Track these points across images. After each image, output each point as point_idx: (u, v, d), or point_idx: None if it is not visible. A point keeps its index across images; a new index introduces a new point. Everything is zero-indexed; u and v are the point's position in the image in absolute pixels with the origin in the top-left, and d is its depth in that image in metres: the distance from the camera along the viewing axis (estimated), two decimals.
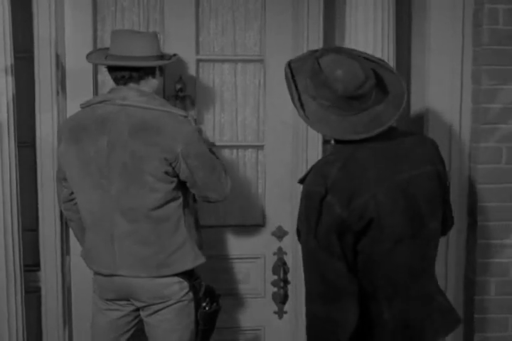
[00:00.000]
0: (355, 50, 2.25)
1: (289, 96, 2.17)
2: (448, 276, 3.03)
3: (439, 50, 2.97)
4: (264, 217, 3.16)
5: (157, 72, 2.66)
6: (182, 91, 3.03)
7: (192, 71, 3.04)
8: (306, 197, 2.07)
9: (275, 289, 3.16)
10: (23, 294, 2.81)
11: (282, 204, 3.12)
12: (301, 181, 2.15)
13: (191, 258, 2.62)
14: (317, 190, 2.02)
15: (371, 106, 2.10)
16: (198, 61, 3.06)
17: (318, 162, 2.17)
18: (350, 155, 2.08)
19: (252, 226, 3.17)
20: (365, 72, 2.06)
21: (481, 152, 2.93)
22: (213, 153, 2.69)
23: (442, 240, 2.98)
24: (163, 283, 2.58)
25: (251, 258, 3.16)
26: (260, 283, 3.18)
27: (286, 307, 3.17)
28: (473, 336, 2.99)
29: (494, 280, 2.95)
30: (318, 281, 2.05)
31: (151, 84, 2.65)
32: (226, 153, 3.14)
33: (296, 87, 2.14)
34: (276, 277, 3.15)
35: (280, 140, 3.10)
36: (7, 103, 2.71)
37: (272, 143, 3.11)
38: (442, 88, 2.98)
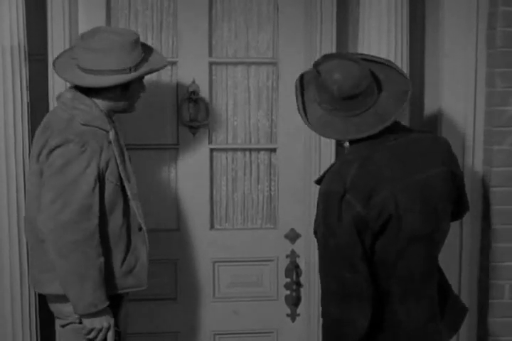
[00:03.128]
0: (358, 53, 2.33)
1: None
2: (462, 280, 3.02)
3: (453, 53, 2.95)
4: (276, 219, 3.16)
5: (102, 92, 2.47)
6: (195, 94, 3.04)
7: (205, 74, 3.04)
8: (324, 197, 2.09)
9: (288, 292, 3.15)
10: (37, 294, 2.80)
11: (295, 206, 3.12)
12: (318, 182, 2.18)
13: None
14: (336, 190, 2.05)
15: (372, 105, 2.13)
16: (211, 64, 3.06)
17: (336, 162, 2.19)
18: (367, 155, 2.10)
19: (264, 228, 3.17)
20: (361, 72, 2.10)
21: (495, 155, 2.91)
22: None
23: (456, 243, 2.99)
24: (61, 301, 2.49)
25: (263, 260, 3.16)
26: (273, 285, 3.17)
27: (299, 310, 3.16)
28: (487, 340, 2.97)
29: (508, 284, 2.93)
30: (335, 281, 2.06)
31: (96, 99, 2.49)
32: (239, 155, 3.14)
33: (302, 96, 2.20)
34: (288, 280, 3.14)
35: (293, 142, 3.10)
36: (21, 105, 2.72)
37: (284, 146, 3.11)
38: (456, 91, 2.96)
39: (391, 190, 2.06)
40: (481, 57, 2.96)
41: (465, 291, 3.02)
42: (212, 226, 3.13)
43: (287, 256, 3.14)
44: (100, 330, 2.45)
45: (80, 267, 2.34)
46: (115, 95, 2.50)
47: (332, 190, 2.06)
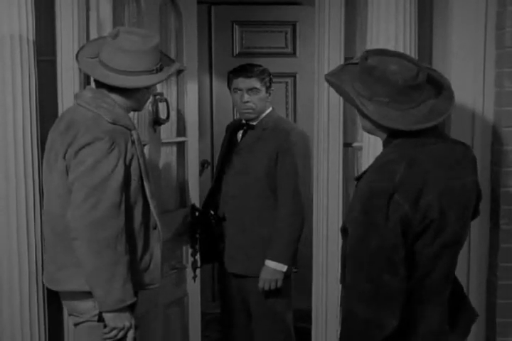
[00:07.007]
0: (397, 51, 2.27)
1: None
2: (470, 280, 3.01)
3: (461, 53, 2.94)
4: None
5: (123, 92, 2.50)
6: None
7: None
8: (369, 194, 2.01)
9: None
10: (45, 291, 2.80)
11: None
12: (358, 179, 2.13)
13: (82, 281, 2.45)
14: (384, 187, 1.99)
15: (427, 98, 2.10)
16: None
17: (379, 160, 2.13)
18: (412, 155, 2.07)
19: None
20: (416, 65, 2.08)
21: (504, 155, 2.90)
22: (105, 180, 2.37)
23: (464, 243, 2.98)
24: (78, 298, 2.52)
25: None
26: None
27: None
28: (495, 340, 2.96)
29: None
30: (370, 282, 2.00)
31: (117, 98, 2.53)
32: None
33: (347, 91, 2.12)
34: None
35: None
36: (30, 106, 2.72)
37: None
38: (464, 91, 2.95)
39: (436, 194, 2.03)
40: (490, 57, 2.94)
41: (473, 291, 3.00)
42: None
43: None
44: (122, 329, 2.46)
45: (111, 263, 2.37)
46: (139, 95, 2.55)
47: (379, 188, 1.99)
